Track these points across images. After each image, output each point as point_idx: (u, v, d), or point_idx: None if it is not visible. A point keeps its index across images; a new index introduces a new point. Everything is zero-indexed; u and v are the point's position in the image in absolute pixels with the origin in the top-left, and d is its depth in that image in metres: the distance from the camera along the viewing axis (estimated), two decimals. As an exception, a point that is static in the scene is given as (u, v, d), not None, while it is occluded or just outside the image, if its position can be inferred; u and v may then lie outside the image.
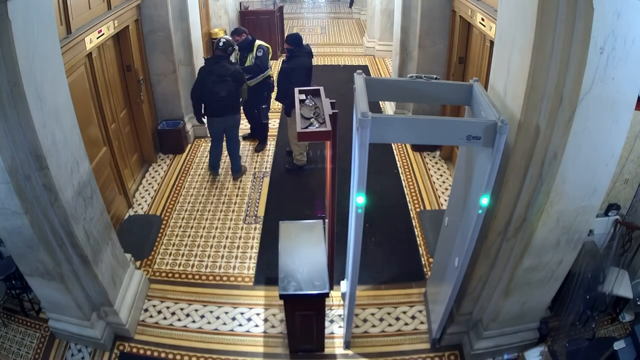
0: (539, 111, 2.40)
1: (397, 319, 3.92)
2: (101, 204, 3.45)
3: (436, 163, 6.08)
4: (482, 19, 4.54)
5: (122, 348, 3.70)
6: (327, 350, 3.64)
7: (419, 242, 4.72)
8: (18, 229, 2.86)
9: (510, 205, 2.77)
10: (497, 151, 2.34)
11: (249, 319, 3.94)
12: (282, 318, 3.80)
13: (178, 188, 5.63)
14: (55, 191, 2.79)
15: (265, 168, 6.03)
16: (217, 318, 3.95)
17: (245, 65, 5.80)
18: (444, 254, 3.42)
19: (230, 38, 5.34)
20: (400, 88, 3.02)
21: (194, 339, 3.78)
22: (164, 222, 5.06)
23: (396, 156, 6.24)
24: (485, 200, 2.54)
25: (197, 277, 4.37)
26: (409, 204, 5.29)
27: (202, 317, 3.96)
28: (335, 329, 3.82)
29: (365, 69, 9.43)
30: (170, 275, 4.39)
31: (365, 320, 3.91)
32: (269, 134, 6.56)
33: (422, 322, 3.88)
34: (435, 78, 2.81)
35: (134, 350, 3.70)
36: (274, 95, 6.14)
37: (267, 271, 4.36)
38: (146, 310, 4.02)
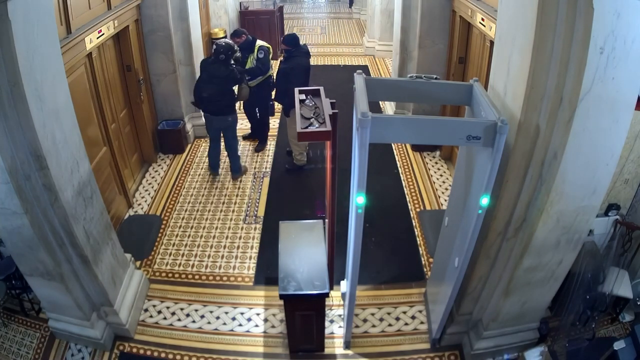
0: (539, 111, 2.40)
1: (397, 319, 3.92)
2: (101, 204, 3.45)
3: (436, 163, 6.08)
4: (482, 19, 4.54)
5: (122, 348, 3.70)
6: (327, 350, 3.64)
7: (419, 242, 4.72)
8: (18, 229, 2.86)
9: (510, 205, 2.77)
10: (497, 151, 2.34)
11: (249, 319, 3.94)
12: (282, 318, 3.80)
13: (178, 188, 5.63)
14: (55, 191, 2.79)
15: (265, 168, 6.03)
16: (217, 318, 3.95)
17: (247, 66, 5.80)
18: (444, 254, 3.42)
19: (231, 41, 5.33)
20: (400, 88, 3.02)
21: (194, 339, 3.78)
22: (164, 222, 5.06)
23: (396, 156, 6.24)
24: (485, 200, 2.54)
25: (197, 277, 4.37)
26: (409, 204, 5.29)
27: (202, 317, 3.96)
28: (335, 329, 3.82)
29: (365, 69, 9.43)
30: (170, 275, 4.39)
31: (365, 320, 3.91)
32: (269, 134, 6.57)
33: (422, 322, 3.88)
34: (435, 78, 2.81)
35: (134, 350, 3.70)
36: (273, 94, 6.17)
37: (267, 271, 4.36)
38: (146, 310, 4.02)
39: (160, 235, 4.87)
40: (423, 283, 4.22)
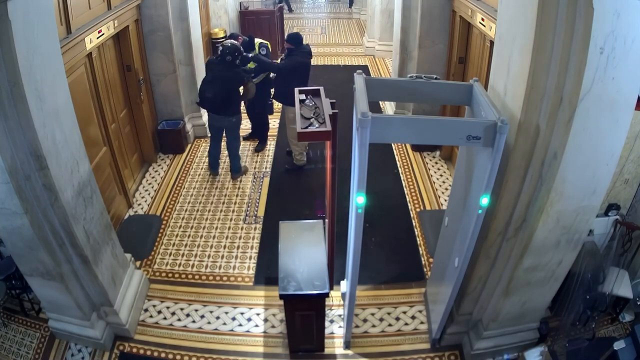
0: (539, 111, 2.40)
1: (397, 319, 3.92)
2: (101, 204, 3.45)
3: (436, 163, 6.08)
4: (482, 19, 4.54)
5: (122, 348, 3.70)
6: (327, 350, 3.64)
7: (419, 242, 4.72)
8: (18, 229, 2.86)
9: (510, 205, 2.77)
10: (497, 151, 2.34)
11: (249, 319, 3.94)
12: (282, 318, 3.80)
13: (178, 188, 5.63)
14: (55, 191, 2.79)
15: (265, 168, 6.03)
16: (217, 318, 3.95)
17: (250, 66, 5.79)
18: (444, 254, 3.42)
19: (237, 43, 5.33)
20: (400, 88, 3.02)
21: (194, 339, 3.78)
22: (164, 222, 5.06)
23: (396, 156, 6.24)
24: (485, 200, 2.54)
25: (197, 277, 4.37)
26: (409, 204, 5.29)
27: (202, 317, 3.96)
28: (335, 329, 3.82)
29: (365, 69, 9.43)
30: (170, 275, 4.39)
31: (365, 320, 3.91)
32: (268, 134, 6.57)
33: (422, 322, 3.88)
34: (435, 78, 2.81)
35: (134, 350, 3.70)
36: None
37: (267, 271, 4.36)
38: (146, 310, 4.02)
39: (160, 235, 4.87)
40: (423, 283, 4.22)
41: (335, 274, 3.90)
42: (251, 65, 5.76)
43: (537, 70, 2.31)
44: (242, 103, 6.17)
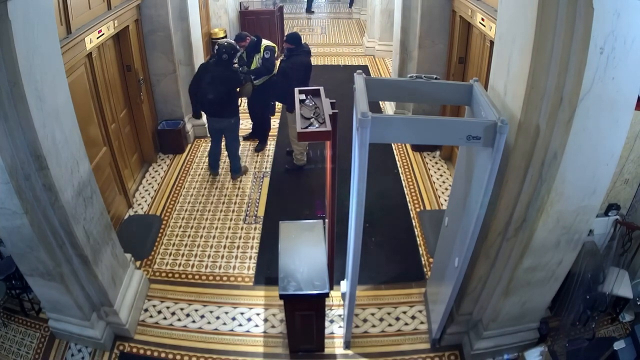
0: (539, 111, 2.40)
1: (397, 319, 3.92)
2: (101, 204, 3.45)
3: (436, 163, 6.08)
4: (482, 19, 4.54)
5: (122, 348, 3.70)
6: (327, 350, 3.64)
7: (419, 242, 4.72)
8: (18, 229, 2.85)
9: (510, 205, 2.77)
10: (497, 151, 2.34)
11: (249, 319, 3.94)
12: (282, 318, 3.80)
13: (178, 188, 5.63)
14: (55, 191, 2.79)
15: (265, 168, 6.03)
16: (217, 318, 3.95)
17: (252, 67, 5.79)
18: (444, 254, 3.42)
19: (233, 42, 5.33)
20: (400, 88, 3.02)
21: (194, 339, 3.78)
22: (164, 222, 5.06)
23: (396, 156, 6.24)
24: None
25: (197, 277, 4.37)
26: (409, 204, 5.29)
27: (202, 317, 3.96)
28: (335, 329, 3.82)
29: (365, 69, 9.43)
30: (170, 275, 4.39)
31: (365, 320, 3.91)
32: (269, 134, 6.57)
33: (422, 322, 3.88)
34: (435, 78, 2.81)
35: (134, 350, 3.70)
36: None
37: (267, 271, 4.36)
38: (146, 310, 4.02)
39: (160, 235, 4.87)
40: (423, 283, 4.22)
41: (335, 274, 3.90)
42: (254, 66, 5.76)
43: (537, 70, 2.31)
44: (246, 103, 6.20)
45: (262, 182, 5.74)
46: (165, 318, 3.95)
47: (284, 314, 3.44)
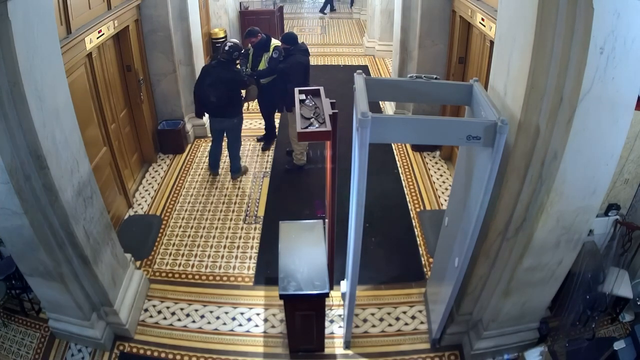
0: (539, 111, 2.40)
1: (397, 319, 3.92)
2: (101, 204, 3.45)
3: (436, 163, 6.08)
4: (482, 19, 4.54)
5: (122, 348, 3.70)
6: (327, 350, 3.64)
7: (419, 242, 4.72)
8: (18, 229, 2.86)
9: (510, 205, 2.77)
10: (497, 151, 2.34)
11: (249, 319, 3.94)
12: (282, 318, 3.80)
13: (178, 188, 5.63)
14: (55, 191, 2.79)
15: (265, 168, 6.03)
16: (217, 318, 3.95)
17: (260, 66, 5.70)
18: (444, 254, 3.42)
19: (238, 42, 5.28)
20: (400, 88, 3.02)
21: (194, 339, 3.78)
22: (164, 222, 5.06)
23: (396, 156, 6.24)
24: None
25: (197, 277, 4.37)
26: (409, 204, 5.29)
27: (202, 317, 3.96)
28: (335, 329, 3.82)
29: (365, 69, 9.43)
30: (170, 275, 4.39)
31: (365, 320, 3.91)
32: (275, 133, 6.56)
33: (422, 322, 3.88)
34: (435, 78, 2.81)
35: (134, 350, 3.70)
36: None
37: (267, 271, 4.36)
38: (146, 310, 4.02)
39: (160, 235, 4.87)
40: (423, 283, 4.22)
41: (335, 274, 3.90)
42: (262, 65, 5.72)
43: (537, 71, 2.31)
44: (257, 103, 6.16)
45: (262, 182, 5.74)
46: (165, 318, 3.95)
47: (284, 314, 3.44)
